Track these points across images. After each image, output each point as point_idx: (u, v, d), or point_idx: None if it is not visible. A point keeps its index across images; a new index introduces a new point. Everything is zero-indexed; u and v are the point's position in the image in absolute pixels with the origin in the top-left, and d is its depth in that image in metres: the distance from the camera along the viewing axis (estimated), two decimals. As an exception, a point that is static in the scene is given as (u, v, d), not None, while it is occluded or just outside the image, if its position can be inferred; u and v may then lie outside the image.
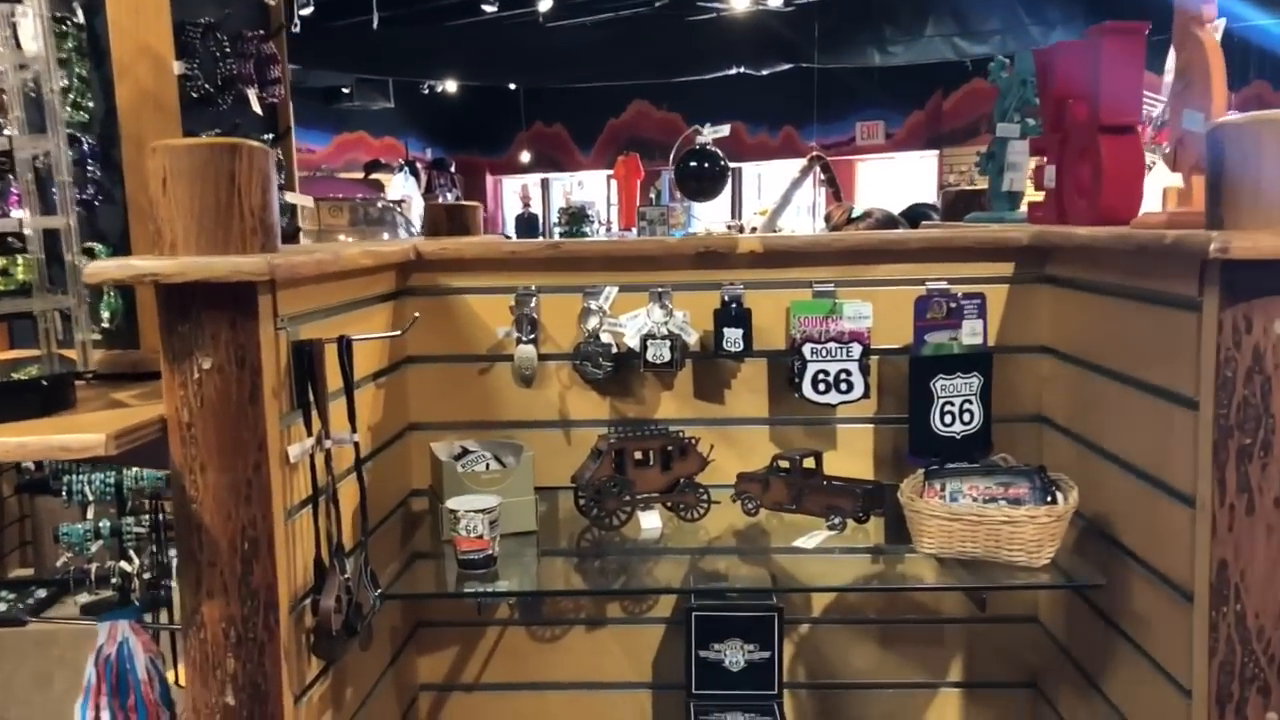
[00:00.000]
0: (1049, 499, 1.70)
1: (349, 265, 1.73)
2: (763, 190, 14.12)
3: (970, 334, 2.02)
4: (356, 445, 1.62)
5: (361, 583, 1.60)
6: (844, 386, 2.02)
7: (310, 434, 1.56)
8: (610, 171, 12.86)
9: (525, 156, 16.33)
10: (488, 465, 1.95)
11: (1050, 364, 2.08)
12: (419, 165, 14.00)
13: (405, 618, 2.17)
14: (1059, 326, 2.05)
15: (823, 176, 8.64)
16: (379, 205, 6.43)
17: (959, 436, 2.00)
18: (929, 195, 11.51)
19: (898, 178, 13.33)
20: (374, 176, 12.58)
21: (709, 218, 10.01)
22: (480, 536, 1.68)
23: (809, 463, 1.93)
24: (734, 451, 2.14)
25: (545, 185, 16.99)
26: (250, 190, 1.43)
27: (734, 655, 2.02)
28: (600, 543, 1.92)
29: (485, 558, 1.70)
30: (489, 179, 16.91)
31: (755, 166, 14.72)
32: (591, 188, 16.10)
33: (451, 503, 1.73)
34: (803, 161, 9.06)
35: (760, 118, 13.88)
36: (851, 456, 2.14)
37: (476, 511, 1.68)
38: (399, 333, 1.69)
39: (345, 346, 1.57)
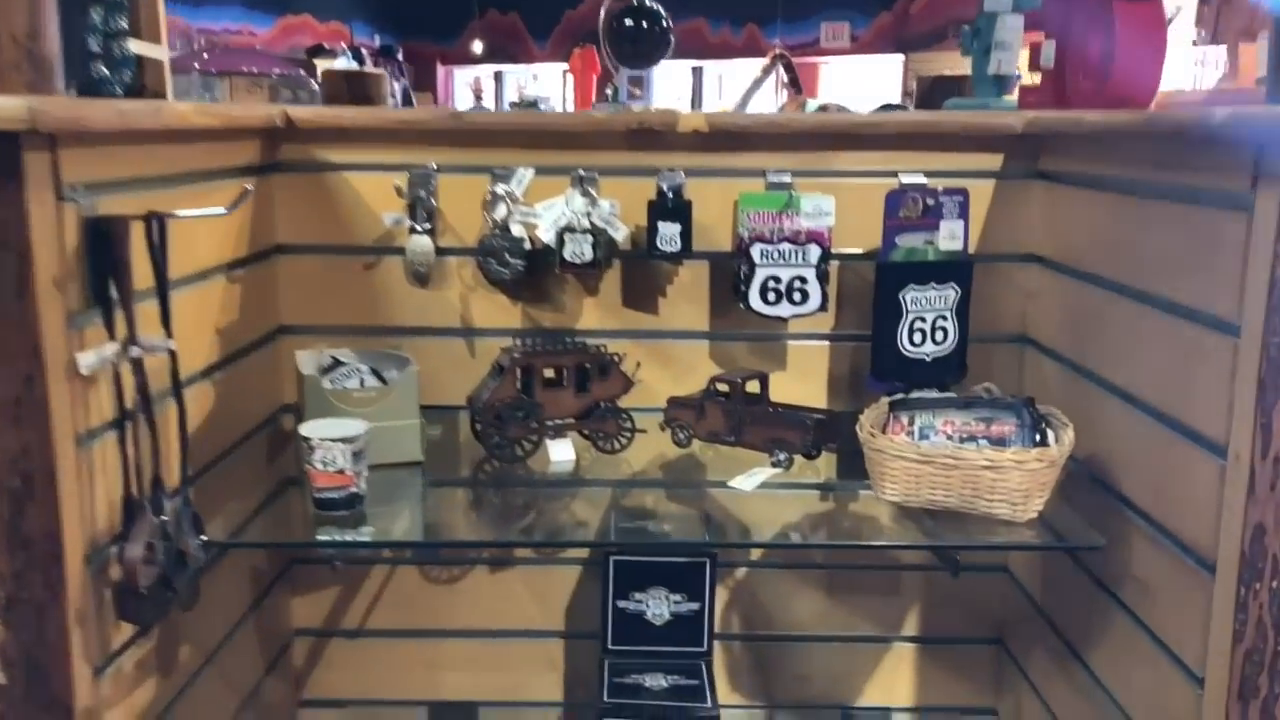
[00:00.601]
0: (1038, 439, 1.41)
1: (176, 124, 1.36)
2: (723, 92, 13.61)
3: (948, 237, 1.70)
4: (173, 354, 1.27)
5: (182, 527, 1.27)
6: (798, 296, 1.69)
7: (114, 338, 1.21)
8: (566, 65, 12.27)
9: (478, 47, 15.58)
10: (362, 381, 1.61)
11: (1040, 275, 1.77)
12: (364, 52, 13.28)
13: (273, 554, 1.85)
14: (1053, 231, 1.73)
15: (785, 77, 8.21)
16: (308, 85, 5.92)
17: (929, 359, 1.70)
18: (895, 99, 11.11)
19: (862, 81, 12.88)
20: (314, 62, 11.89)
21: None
22: (341, 471, 1.36)
23: (752, 387, 1.62)
24: (666, 371, 1.83)
25: (498, 78, 16.29)
26: (10, 10, 1.06)
27: (657, 607, 1.73)
28: (501, 477, 1.60)
29: (348, 496, 1.38)
30: (440, 70, 16.16)
31: (717, 66, 14.17)
32: (547, 81, 15.47)
33: (305, 428, 1.40)
34: (765, 61, 8.60)
35: (722, 14, 13.27)
36: (803, 379, 1.83)
37: (335, 440, 1.35)
38: (223, 210, 1.33)
39: (157, 226, 1.21)
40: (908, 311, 1.67)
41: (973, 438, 1.40)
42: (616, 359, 1.61)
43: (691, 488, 1.64)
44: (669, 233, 1.68)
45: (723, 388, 1.60)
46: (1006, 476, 1.34)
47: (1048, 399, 1.64)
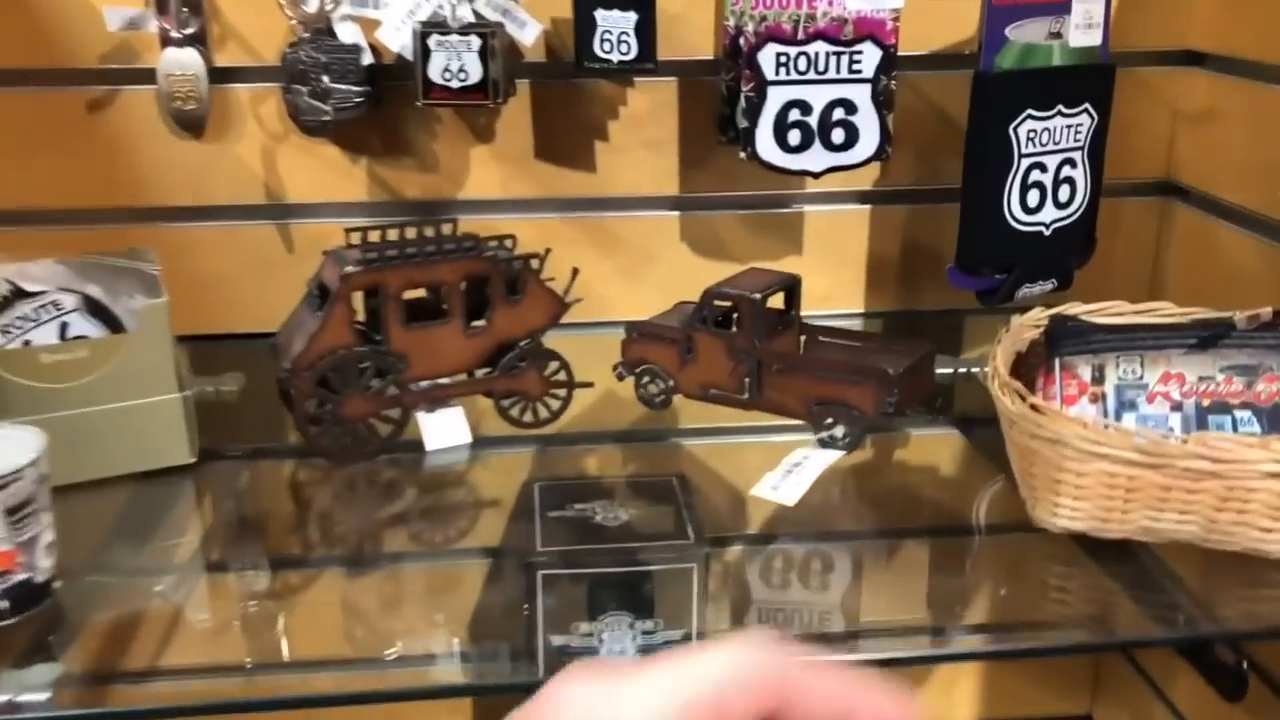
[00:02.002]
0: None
1: None
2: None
3: (1084, 24, 1.01)
4: None
5: None
6: (840, 135, 1.00)
7: None
8: None
9: None
10: (64, 327, 0.87)
11: (1201, 83, 1.10)
12: None
13: None
14: (1228, 8, 1.06)
15: None
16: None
17: (1048, 229, 1.04)
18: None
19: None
20: None
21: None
22: (-17, 549, 0.65)
23: (777, 301, 0.94)
24: (621, 277, 1.14)
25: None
26: None
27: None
28: (338, 486, 0.90)
29: (11, 590, 0.67)
30: None
31: None
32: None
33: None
34: None
35: None
36: (833, 277, 1.15)
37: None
38: None
39: None
40: (1021, 154, 0.99)
41: (1224, 407, 0.75)
42: (535, 261, 0.91)
43: (667, 489, 0.96)
44: (615, 26, 0.95)
45: (724, 303, 0.91)
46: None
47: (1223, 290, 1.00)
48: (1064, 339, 0.77)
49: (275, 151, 1.06)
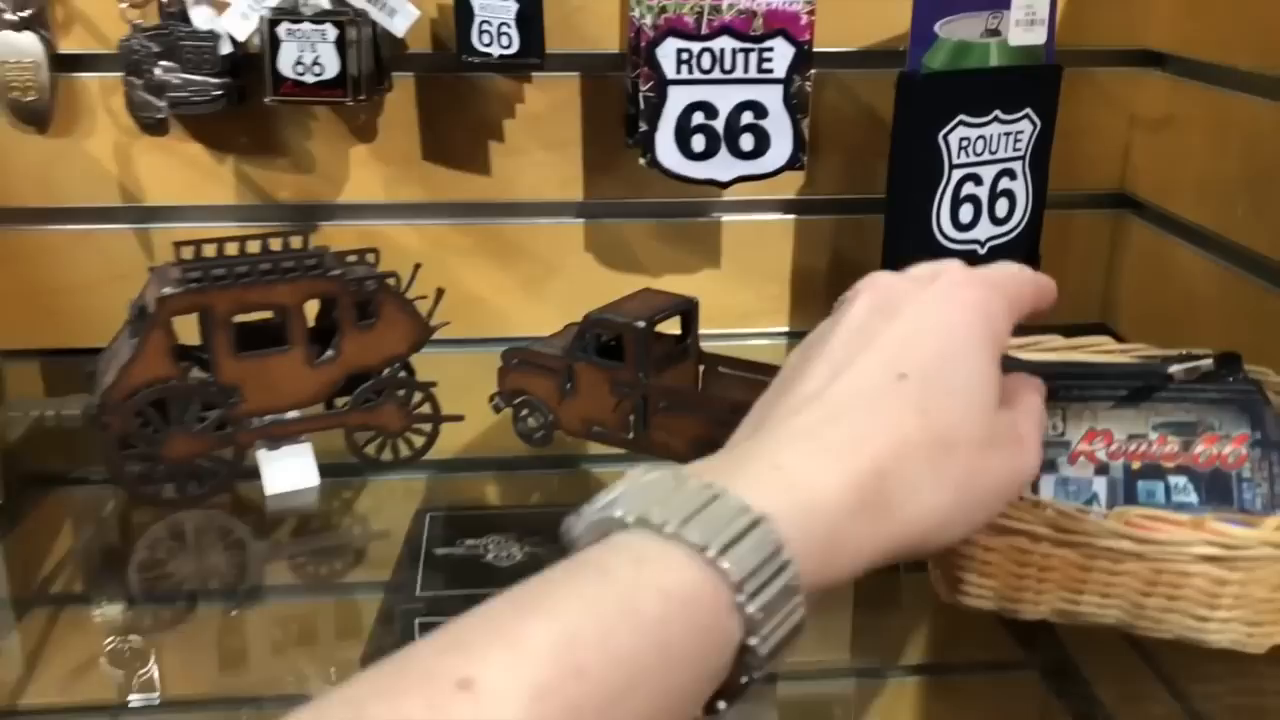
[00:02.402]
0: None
1: None
2: None
3: (1025, 20, 0.90)
4: None
5: None
6: (749, 142, 0.89)
7: None
8: None
9: None
10: None
11: (1159, 87, 1.00)
12: None
13: None
14: (1189, 11, 0.95)
15: None
16: None
17: (983, 248, 0.94)
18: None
19: None
20: None
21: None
22: None
23: (668, 326, 0.84)
24: (520, 290, 1.03)
25: None
26: None
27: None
28: (154, 541, 0.79)
29: None
30: None
31: None
32: None
33: None
34: None
35: None
36: (754, 292, 1.05)
37: None
38: None
39: None
40: (953, 165, 0.89)
41: (1156, 470, 0.65)
42: (393, 280, 0.80)
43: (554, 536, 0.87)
44: (495, 16, 0.85)
45: (604, 332, 0.81)
46: (1253, 577, 0.61)
47: (1184, 315, 0.90)
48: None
49: (130, 148, 0.96)
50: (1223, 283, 0.91)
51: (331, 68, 0.83)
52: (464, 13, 0.85)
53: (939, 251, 0.91)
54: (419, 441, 0.83)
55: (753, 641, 0.32)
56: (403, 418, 0.81)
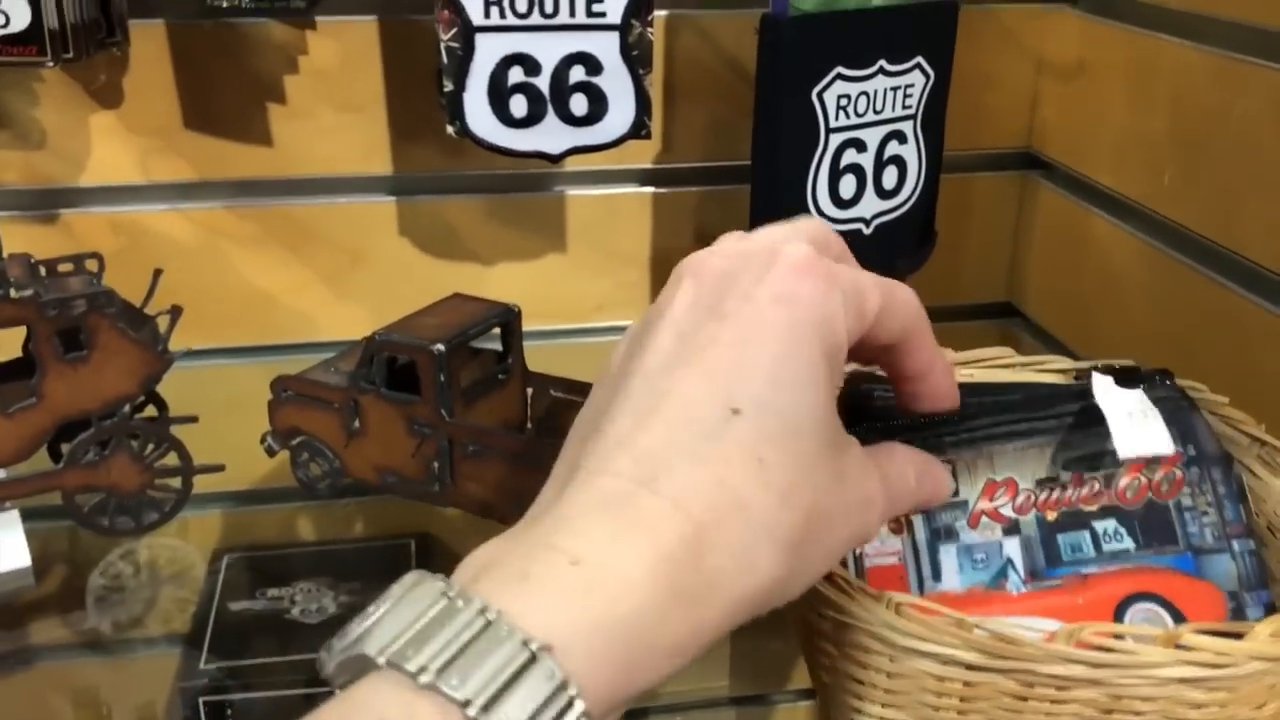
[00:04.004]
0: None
1: None
2: None
3: (915, -50, 0.74)
4: None
5: None
6: (580, 104, 0.72)
7: None
8: None
9: None
10: None
11: (1071, 25, 0.85)
12: None
13: None
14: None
15: None
16: None
17: (869, 225, 0.78)
18: None
19: None
20: None
21: None
22: None
23: (487, 343, 0.66)
24: (322, 285, 0.85)
25: None
26: None
27: None
28: None
29: None
30: None
31: None
32: None
33: None
34: None
35: None
36: (610, 279, 0.89)
37: None
38: None
39: None
40: (830, 129, 0.73)
41: (1078, 518, 0.51)
42: (109, 300, 0.60)
43: (400, 558, 0.70)
44: (244, -50, 0.66)
45: (395, 354, 0.63)
46: (1236, 697, 0.47)
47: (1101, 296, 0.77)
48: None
49: None
50: (1146, 261, 0.77)
51: (20, 18, 0.63)
52: (204, -57, 0.66)
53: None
54: (168, 503, 0.65)
55: None
56: (139, 473, 0.63)
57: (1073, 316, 0.87)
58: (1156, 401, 0.52)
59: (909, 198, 0.79)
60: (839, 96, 0.72)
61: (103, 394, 0.61)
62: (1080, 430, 0.52)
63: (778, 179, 0.73)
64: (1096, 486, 0.52)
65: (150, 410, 0.67)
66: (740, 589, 0.31)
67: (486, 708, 0.26)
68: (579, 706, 0.28)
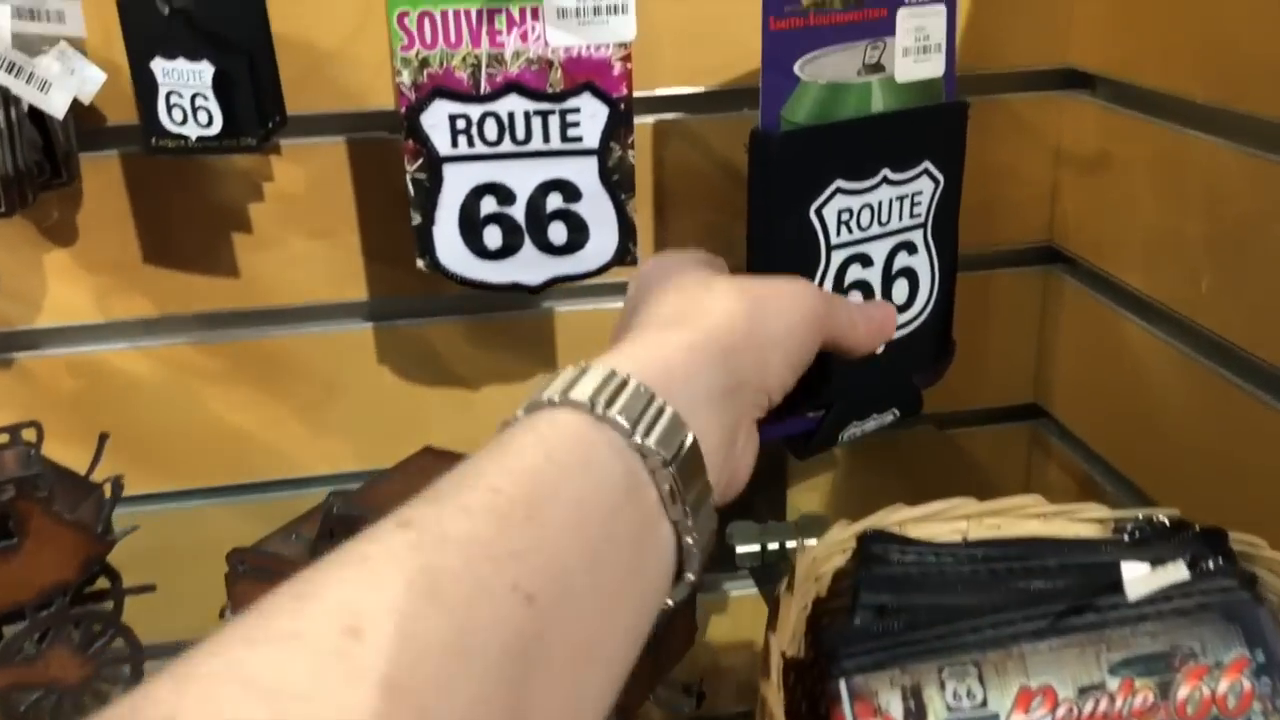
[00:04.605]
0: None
1: None
2: None
3: (917, 49, 0.68)
4: None
5: None
6: (559, 232, 0.67)
7: None
8: None
9: None
10: None
11: (1089, 113, 0.79)
12: None
13: None
14: (1122, 17, 0.74)
15: None
16: None
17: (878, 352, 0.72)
18: None
19: None
20: None
21: None
22: None
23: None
24: (298, 420, 0.80)
25: None
26: None
27: None
28: None
29: None
30: None
31: None
32: None
33: None
34: None
35: None
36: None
37: None
38: None
39: None
40: (832, 246, 0.67)
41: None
42: (42, 483, 0.55)
43: None
44: (184, 86, 0.61)
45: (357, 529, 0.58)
46: None
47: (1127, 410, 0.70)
48: (845, 646, 0.45)
49: None
50: (1182, 371, 0.70)
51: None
52: (144, 82, 0.61)
53: (822, 355, 0.69)
54: (113, 694, 0.59)
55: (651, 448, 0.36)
56: (80, 666, 0.58)
57: (1103, 421, 0.80)
58: (1210, 594, 0.45)
59: (922, 310, 0.73)
60: (840, 211, 0.67)
61: (37, 583, 0.56)
62: (1126, 625, 0.45)
63: (776, 303, 0.67)
64: (1150, 696, 0.45)
65: (102, 582, 0.61)
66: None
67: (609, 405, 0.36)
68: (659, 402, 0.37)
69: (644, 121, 0.76)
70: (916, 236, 0.71)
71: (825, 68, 0.65)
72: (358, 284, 0.78)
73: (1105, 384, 0.80)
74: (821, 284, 0.68)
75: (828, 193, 0.66)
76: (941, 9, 0.68)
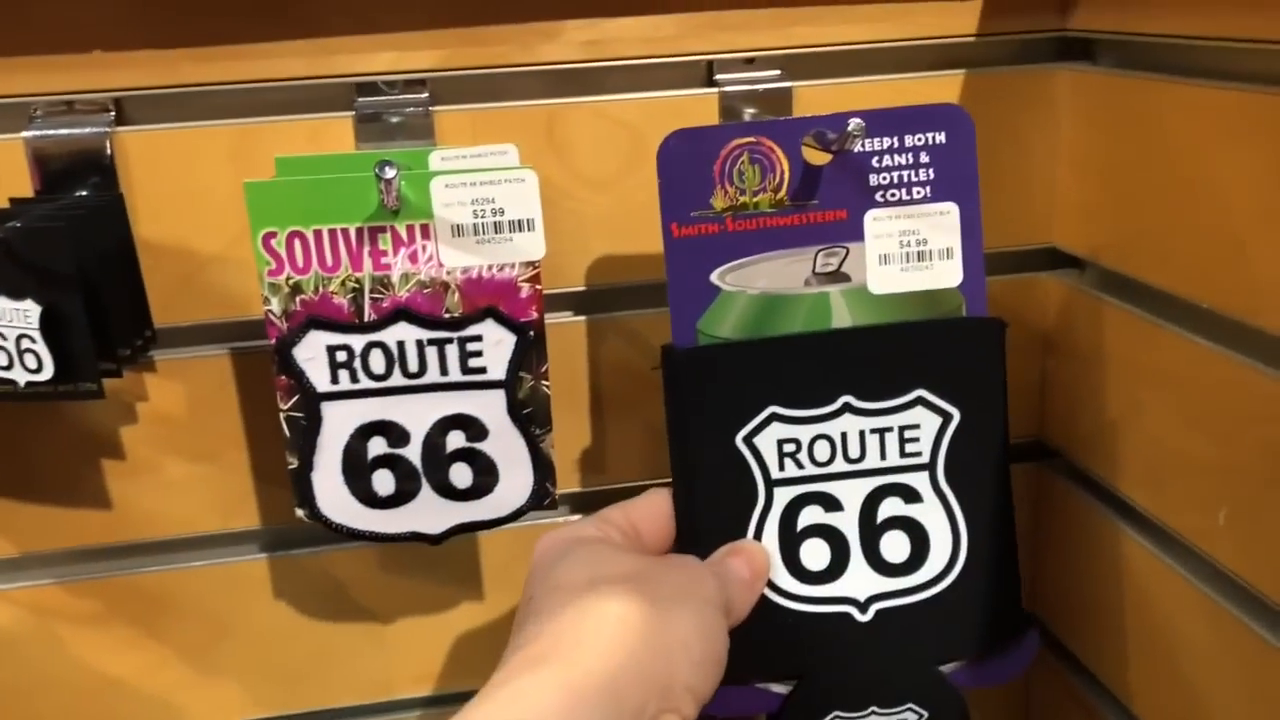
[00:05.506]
0: None
1: None
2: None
3: (901, 255, 0.59)
4: None
5: None
6: (462, 475, 0.57)
7: None
8: None
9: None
10: None
11: (1082, 304, 0.70)
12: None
13: None
14: (1101, 178, 0.66)
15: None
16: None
17: (864, 609, 0.60)
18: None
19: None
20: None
21: None
22: None
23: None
24: (185, 663, 0.70)
25: None
26: None
27: None
28: None
29: None
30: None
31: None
32: None
33: None
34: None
35: None
36: (503, 640, 0.73)
37: None
38: None
39: None
40: (771, 479, 0.57)
41: None
42: None
43: None
44: (10, 327, 0.52)
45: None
46: None
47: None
48: None
49: None
50: (1197, 611, 0.60)
51: None
52: (-35, 320, 0.52)
53: (782, 617, 0.58)
54: None
55: None
56: None
57: (1103, 642, 0.70)
58: None
59: (940, 576, 0.61)
60: (780, 441, 0.57)
61: None
62: None
63: (698, 536, 0.57)
64: None
65: None
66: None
67: None
68: None
69: (577, 321, 0.67)
70: (917, 480, 0.60)
71: (757, 275, 0.56)
72: (248, 511, 0.68)
73: (1104, 602, 0.69)
74: (763, 526, 0.58)
75: (758, 419, 0.56)
76: (950, 208, 0.58)
